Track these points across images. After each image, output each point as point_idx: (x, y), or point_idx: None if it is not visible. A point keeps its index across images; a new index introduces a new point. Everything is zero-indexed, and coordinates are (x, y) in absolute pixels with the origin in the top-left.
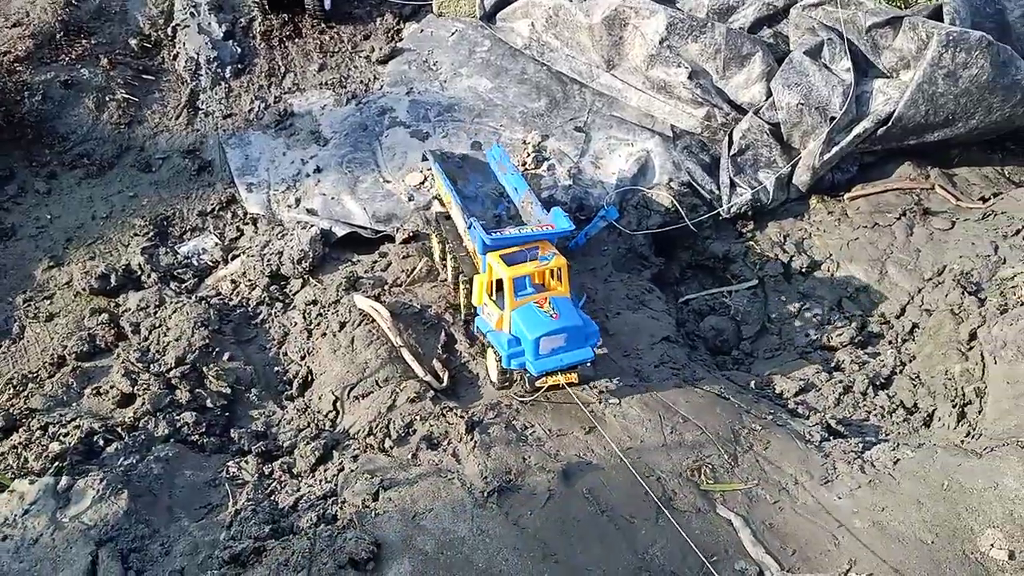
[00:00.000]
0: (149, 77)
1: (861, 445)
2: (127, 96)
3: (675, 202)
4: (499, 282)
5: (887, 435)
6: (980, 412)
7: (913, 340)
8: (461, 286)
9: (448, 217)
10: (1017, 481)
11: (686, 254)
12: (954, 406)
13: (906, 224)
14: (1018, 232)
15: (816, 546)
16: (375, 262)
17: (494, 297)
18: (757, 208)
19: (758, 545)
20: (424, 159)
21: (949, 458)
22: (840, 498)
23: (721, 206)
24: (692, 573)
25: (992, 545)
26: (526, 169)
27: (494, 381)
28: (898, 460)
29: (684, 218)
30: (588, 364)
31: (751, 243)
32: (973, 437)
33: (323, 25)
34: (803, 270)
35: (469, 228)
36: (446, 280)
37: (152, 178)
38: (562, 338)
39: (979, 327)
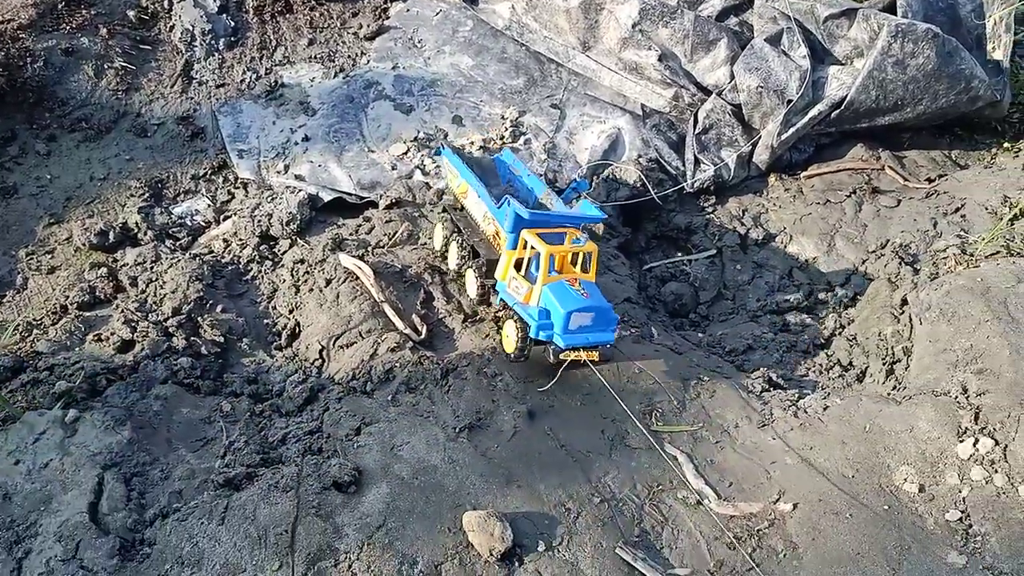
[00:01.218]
0: (146, 47)
1: (797, 395)
2: (124, 64)
3: (642, 177)
4: (528, 260)
5: (823, 389)
6: (907, 368)
7: (854, 306)
8: (472, 272)
9: (459, 208)
10: (929, 424)
11: (652, 225)
12: (884, 363)
13: (855, 201)
14: (957, 210)
15: (751, 479)
16: (359, 226)
17: (524, 273)
18: (719, 184)
19: (699, 478)
20: (437, 153)
21: (872, 405)
22: (774, 439)
23: (685, 181)
24: (639, 499)
25: (905, 479)
26: (503, 143)
27: (510, 353)
28: (827, 407)
29: (650, 192)
30: (608, 346)
31: (712, 216)
32: (898, 390)
33: (313, 2)
34: (758, 242)
35: (501, 206)
36: (448, 269)
37: (148, 143)
38: (590, 317)
39: (910, 292)
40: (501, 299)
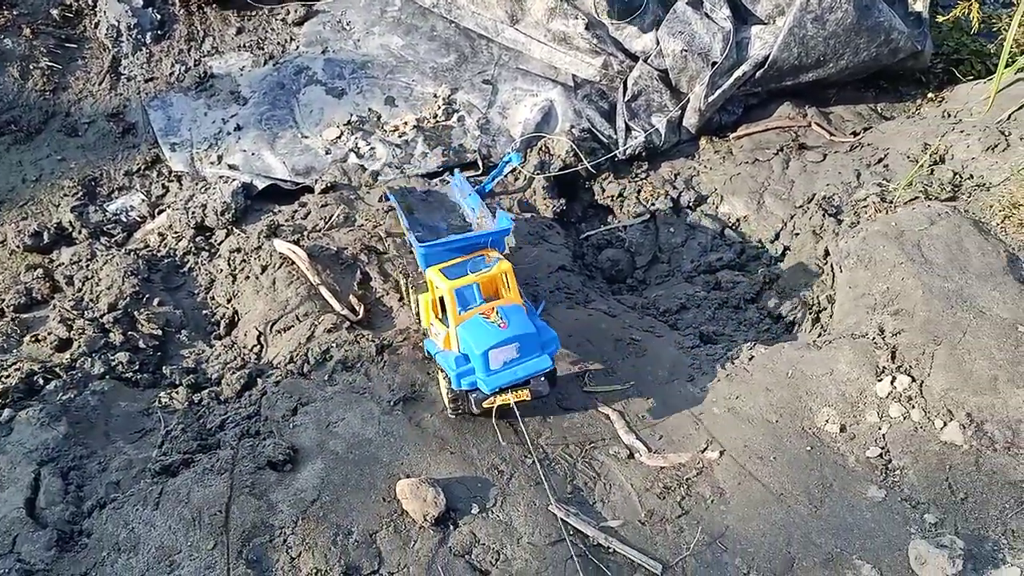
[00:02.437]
0: (71, 45)
1: (725, 348)
2: (51, 64)
3: (575, 147)
4: (443, 299)
5: (751, 341)
6: (831, 316)
7: (783, 260)
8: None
9: (412, 251)
10: (849, 366)
11: (586, 195)
12: (811, 313)
13: (783, 159)
14: (880, 160)
15: (680, 431)
16: (295, 211)
17: (440, 316)
18: (651, 150)
19: (630, 433)
20: (385, 198)
21: (794, 352)
22: (702, 391)
23: (617, 149)
24: (572, 457)
25: (827, 421)
26: (436, 121)
27: (447, 406)
28: (752, 357)
29: (584, 161)
30: (543, 378)
31: (644, 182)
32: (823, 337)
33: None
34: (690, 204)
35: (411, 245)
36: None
37: (79, 142)
38: (514, 348)
39: (831, 242)
40: (426, 349)
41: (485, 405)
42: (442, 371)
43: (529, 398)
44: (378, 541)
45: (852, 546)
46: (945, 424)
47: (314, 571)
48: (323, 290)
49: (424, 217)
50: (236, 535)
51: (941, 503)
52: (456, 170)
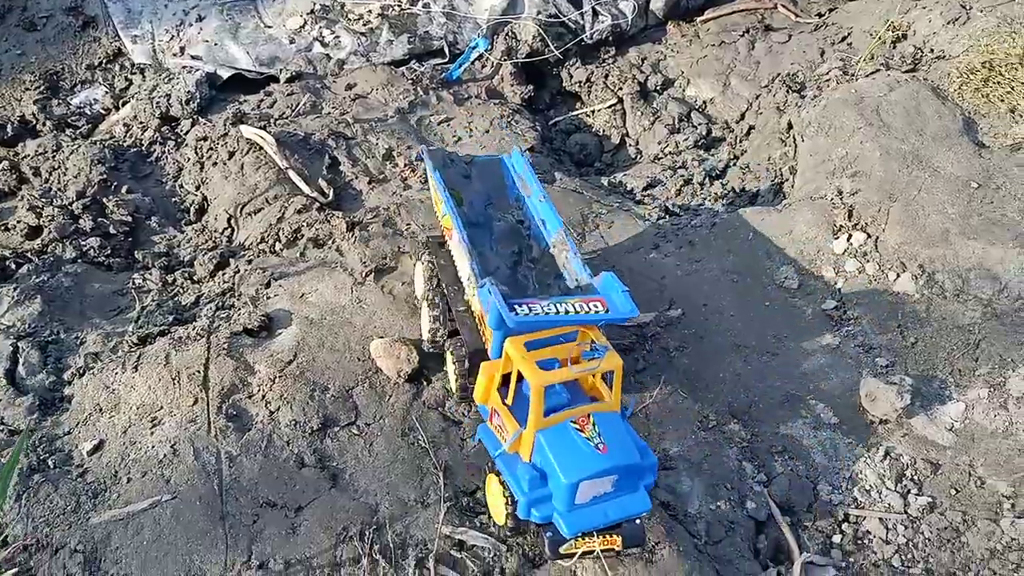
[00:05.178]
0: None
1: (689, 220)
2: None
3: (542, 32)
4: (509, 376)
5: (716, 214)
6: (792, 186)
7: (748, 139)
8: (450, 358)
9: (443, 244)
10: (806, 226)
11: (554, 81)
12: (773, 184)
13: (748, 40)
14: (844, 39)
15: (645, 294)
16: (261, 100)
17: (510, 400)
18: (618, 35)
19: None
20: (419, 159)
21: (754, 216)
22: (666, 256)
23: (584, 34)
24: None
25: (785, 278)
26: (401, 9)
27: (501, 525)
28: (715, 224)
29: (550, 47)
30: (638, 521)
31: (612, 67)
32: (783, 202)
33: None
34: (657, 88)
35: (480, 288)
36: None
37: (37, 36)
38: (610, 481)
39: (793, 115)
40: (479, 439)
41: (562, 551)
42: (500, 480)
43: (620, 548)
44: (354, 396)
45: (807, 388)
46: (898, 276)
47: (292, 423)
48: (291, 174)
49: (468, 205)
50: (215, 392)
51: (893, 348)
52: (516, 149)
